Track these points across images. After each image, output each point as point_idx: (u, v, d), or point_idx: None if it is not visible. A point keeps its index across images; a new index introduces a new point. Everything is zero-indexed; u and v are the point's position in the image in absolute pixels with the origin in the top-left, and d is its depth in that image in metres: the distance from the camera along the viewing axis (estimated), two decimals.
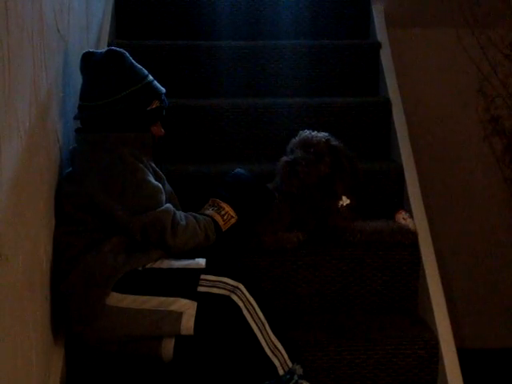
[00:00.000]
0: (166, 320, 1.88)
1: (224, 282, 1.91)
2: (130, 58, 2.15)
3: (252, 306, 1.91)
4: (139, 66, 2.17)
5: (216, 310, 1.89)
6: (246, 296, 1.90)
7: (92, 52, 2.17)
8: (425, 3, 3.19)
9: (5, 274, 1.53)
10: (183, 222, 2.00)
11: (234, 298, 1.89)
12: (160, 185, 2.04)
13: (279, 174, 2.33)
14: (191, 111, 2.74)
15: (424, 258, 2.33)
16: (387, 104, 2.80)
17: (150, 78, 2.17)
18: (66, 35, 2.26)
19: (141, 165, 2.01)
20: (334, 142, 2.34)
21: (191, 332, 1.88)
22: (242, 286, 1.91)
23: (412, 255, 2.34)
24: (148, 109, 2.14)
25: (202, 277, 1.92)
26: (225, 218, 2.12)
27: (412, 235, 2.35)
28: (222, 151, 2.75)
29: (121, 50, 2.16)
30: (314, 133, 2.36)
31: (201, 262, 1.98)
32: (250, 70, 2.94)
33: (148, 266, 1.98)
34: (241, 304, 1.89)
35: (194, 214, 2.09)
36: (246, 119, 2.74)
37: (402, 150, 2.66)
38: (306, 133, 2.36)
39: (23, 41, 1.71)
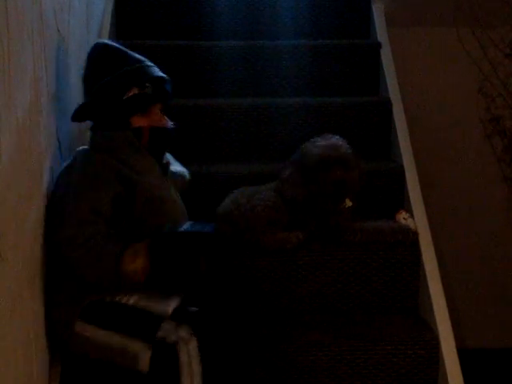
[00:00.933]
0: (126, 356, 1.84)
1: (180, 333, 1.82)
2: (114, 47, 2.03)
3: (192, 368, 1.79)
4: (126, 53, 2.03)
5: (165, 357, 1.82)
6: (192, 353, 1.80)
7: None
8: (425, 3, 3.19)
9: (3, 275, 1.53)
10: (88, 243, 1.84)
11: (182, 351, 1.80)
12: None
13: (288, 182, 2.29)
14: (191, 111, 2.74)
15: (424, 258, 2.33)
16: (387, 104, 2.80)
17: (141, 64, 2.01)
18: (66, 35, 2.26)
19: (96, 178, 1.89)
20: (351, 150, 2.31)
21: (147, 370, 1.81)
22: (194, 343, 1.80)
23: (412, 255, 2.34)
24: (124, 98, 1.96)
25: (164, 323, 1.84)
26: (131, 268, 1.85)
27: (412, 235, 2.35)
28: (222, 151, 2.75)
29: (105, 40, 2.09)
30: (340, 143, 2.29)
31: (169, 307, 1.85)
32: (250, 70, 2.94)
33: (116, 298, 1.88)
34: (184, 359, 1.80)
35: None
36: (245, 119, 2.74)
37: (403, 149, 2.66)
38: (333, 144, 2.29)
39: (23, 40, 1.71)
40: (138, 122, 1.98)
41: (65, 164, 2.00)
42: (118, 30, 3.13)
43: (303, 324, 2.24)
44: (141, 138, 1.98)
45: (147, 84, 1.99)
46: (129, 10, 3.14)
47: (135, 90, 1.96)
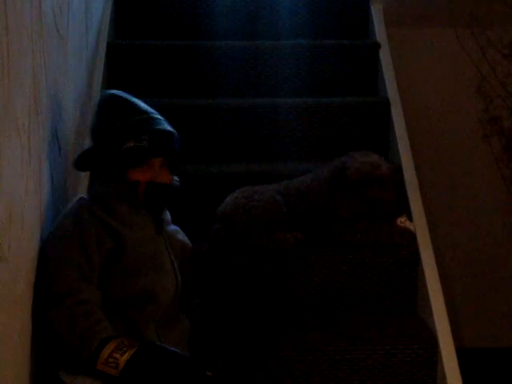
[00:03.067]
0: None
1: None
2: (120, 97, 1.96)
3: None
4: (131, 104, 1.95)
5: None
6: None
7: None
8: (424, 3, 3.19)
9: (3, 275, 1.53)
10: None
11: None
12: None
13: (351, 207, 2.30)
14: (191, 111, 2.74)
15: (423, 258, 2.34)
16: (386, 104, 2.80)
17: (137, 117, 1.91)
18: (65, 35, 2.26)
19: (78, 237, 1.79)
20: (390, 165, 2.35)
21: None
22: None
23: (411, 255, 2.34)
24: (122, 149, 1.87)
25: None
26: (109, 360, 1.67)
27: (410, 236, 2.35)
28: (222, 151, 2.75)
29: (113, 91, 2.01)
30: (381, 162, 2.31)
31: None
32: (250, 70, 2.95)
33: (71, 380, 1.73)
34: None
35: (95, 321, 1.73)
36: (245, 119, 2.75)
37: (401, 149, 2.66)
38: (374, 161, 2.30)
39: (23, 41, 1.71)
40: (136, 175, 1.88)
41: (64, 211, 1.95)
42: (117, 30, 3.13)
43: (302, 324, 2.24)
44: (136, 191, 1.88)
45: (143, 136, 1.87)
46: (128, 10, 3.14)
47: (131, 143, 1.87)
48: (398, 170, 2.36)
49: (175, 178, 1.98)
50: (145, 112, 1.92)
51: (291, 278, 2.30)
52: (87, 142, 2.59)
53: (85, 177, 2.50)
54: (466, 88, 3.34)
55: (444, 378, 2.11)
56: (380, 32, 3.06)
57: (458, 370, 2.13)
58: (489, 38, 3.26)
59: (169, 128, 1.93)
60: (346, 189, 2.29)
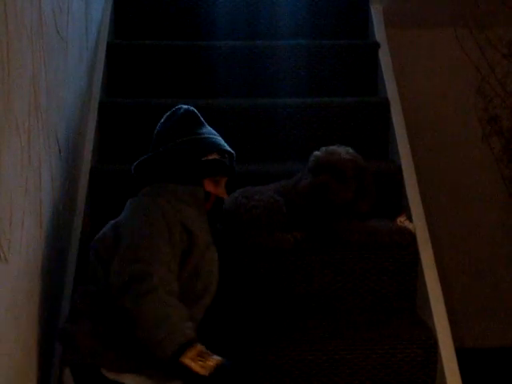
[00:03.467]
0: None
1: None
2: (198, 115, 2.11)
3: None
4: (205, 124, 2.12)
5: None
6: None
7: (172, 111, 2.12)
8: (423, 3, 3.19)
9: (4, 276, 1.53)
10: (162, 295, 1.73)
11: None
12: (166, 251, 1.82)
13: (301, 193, 2.30)
14: None
15: (422, 258, 2.34)
16: (386, 104, 2.80)
17: (217, 138, 2.08)
18: (65, 35, 2.27)
19: (165, 225, 1.84)
20: (360, 163, 2.31)
21: None
22: None
23: (410, 255, 2.34)
24: (203, 159, 2.02)
25: None
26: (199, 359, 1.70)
27: (410, 236, 2.35)
28: None
29: (191, 108, 2.12)
30: (341, 151, 2.30)
31: None
32: (250, 70, 2.95)
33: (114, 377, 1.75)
34: None
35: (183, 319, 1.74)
36: (245, 119, 2.75)
37: (401, 149, 2.66)
38: (332, 151, 2.30)
39: (23, 41, 1.71)
40: (209, 186, 2.02)
41: (138, 205, 1.94)
42: (116, 30, 3.13)
43: (302, 324, 2.24)
44: (207, 200, 2.01)
45: (226, 154, 2.07)
46: (128, 10, 3.14)
47: (216, 156, 2.03)
48: (366, 169, 2.32)
49: None
50: (216, 134, 2.10)
51: (291, 278, 2.30)
52: (87, 143, 2.60)
53: (85, 177, 2.50)
54: (465, 88, 3.34)
55: (443, 378, 2.12)
56: (379, 32, 3.06)
57: (457, 370, 2.13)
58: (488, 37, 3.26)
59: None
60: (303, 174, 2.31)
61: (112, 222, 1.96)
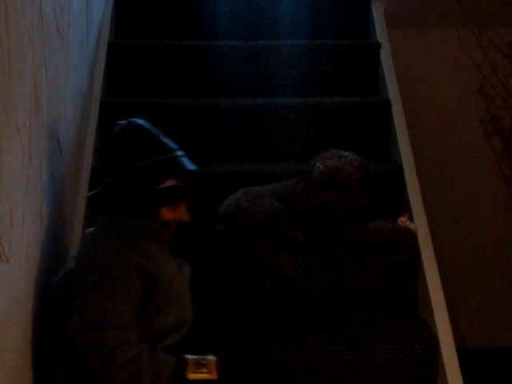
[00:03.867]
0: None
1: None
2: (147, 130, 1.88)
3: None
4: (164, 139, 1.89)
5: None
6: None
7: (116, 124, 1.94)
8: (425, 3, 3.19)
9: (5, 276, 1.53)
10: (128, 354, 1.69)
11: None
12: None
13: (307, 208, 2.28)
14: (191, 111, 2.74)
15: (424, 258, 2.34)
16: (387, 104, 2.80)
17: (176, 153, 1.88)
18: (66, 35, 2.27)
19: (119, 276, 1.74)
20: (362, 169, 2.29)
21: None
22: None
23: (412, 255, 2.34)
24: (158, 188, 1.84)
25: None
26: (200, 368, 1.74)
27: (411, 235, 2.35)
28: (222, 151, 2.75)
29: (141, 122, 1.90)
30: (344, 163, 2.27)
31: None
32: (250, 70, 2.95)
33: None
34: None
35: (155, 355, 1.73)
36: (245, 119, 2.75)
37: (402, 150, 2.66)
38: (335, 165, 2.27)
39: (23, 41, 1.71)
40: (166, 214, 1.87)
41: (92, 252, 1.82)
42: (117, 30, 3.13)
43: (303, 324, 2.24)
44: (166, 231, 1.87)
45: (182, 177, 1.88)
46: (129, 9, 3.14)
47: (171, 182, 1.85)
48: (369, 178, 2.30)
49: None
50: (174, 149, 1.89)
51: (291, 278, 2.30)
52: (88, 143, 2.60)
53: (85, 177, 2.50)
54: (466, 88, 3.34)
55: (445, 378, 2.11)
56: (381, 32, 3.06)
57: (458, 370, 2.13)
58: (490, 37, 3.26)
59: (197, 167, 1.92)
60: (308, 187, 2.28)
61: (65, 269, 1.88)
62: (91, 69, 2.73)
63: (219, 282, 2.28)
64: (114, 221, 1.84)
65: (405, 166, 2.60)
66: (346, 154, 2.33)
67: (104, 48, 2.90)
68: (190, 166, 1.89)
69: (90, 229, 1.92)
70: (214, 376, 1.72)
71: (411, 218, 2.45)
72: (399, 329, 2.22)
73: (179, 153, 1.89)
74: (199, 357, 1.74)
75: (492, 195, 3.41)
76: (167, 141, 1.89)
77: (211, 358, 1.75)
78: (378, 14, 3.13)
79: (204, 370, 1.71)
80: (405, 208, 2.56)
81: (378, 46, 3.00)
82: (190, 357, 1.74)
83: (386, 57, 2.97)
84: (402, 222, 2.39)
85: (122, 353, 1.67)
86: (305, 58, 2.97)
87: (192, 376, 1.70)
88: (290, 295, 2.31)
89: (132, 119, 1.91)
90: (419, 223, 2.43)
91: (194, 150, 2.72)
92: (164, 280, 1.80)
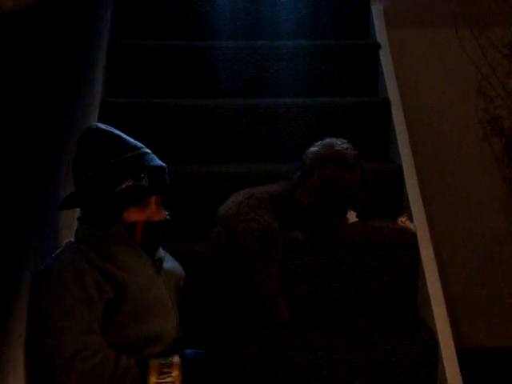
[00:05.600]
0: None
1: None
2: (107, 132, 1.82)
3: None
4: (119, 139, 1.81)
5: None
6: None
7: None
8: (424, 3, 3.19)
9: None
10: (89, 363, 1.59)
11: None
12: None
13: (312, 190, 2.27)
14: (191, 111, 2.74)
15: (423, 258, 2.34)
16: (386, 104, 2.80)
17: (134, 152, 1.79)
18: None
19: (79, 283, 1.65)
20: (357, 152, 2.31)
21: None
22: None
23: (411, 255, 2.34)
24: (117, 190, 1.75)
25: None
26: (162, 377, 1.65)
27: (411, 236, 2.35)
28: (222, 151, 2.76)
29: (98, 124, 1.86)
30: (335, 142, 2.30)
31: None
32: (250, 70, 2.95)
33: None
34: None
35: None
36: (245, 119, 2.75)
37: (402, 150, 2.67)
38: (327, 143, 2.29)
39: None
40: (132, 216, 1.77)
41: (55, 257, 1.75)
42: (117, 31, 3.13)
43: (303, 324, 2.24)
44: (134, 233, 1.77)
45: (142, 175, 1.77)
46: (129, 10, 3.14)
47: (129, 182, 1.75)
48: (358, 155, 2.30)
49: (167, 212, 1.87)
50: (136, 147, 1.81)
51: (291, 278, 2.30)
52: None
53: None
54: (466, 88, 3.34)
55: (444, 378, 2.12)
56: (380, 32, 3.06)
57: (458, 370, 2.13)
58: (489, 37, 3.26)
59: (161, 163, 1.84)
60: (305, 171, 2.28)
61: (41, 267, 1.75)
62: (91, 68, 2.73)
63: (219, 282, 2.28)
64: (86, 228, 1.79)
65: (404, 166, 2.60)
66: (331, 138, 2.34)
67: (104, 48, 2.90)
68: (150, 163, 1.79)
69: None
70: (175, 379, 1.62)
71: (411, 218, 2.45)
72: (399, 329, 2.22)
73: (138, 151, 1.80)
74: (163, 360, 1.66)
75: (492, 195, 3.41)
76: (126, 141, 1.81)
77: (175, 359, 1.66)
78: (377, 14, 3.13)
79: (167, 373, 1.62)
80: (404, 208, 2.57)
81: (377, 46, 3.00)
82: (153, 361, 1.65)
83: (385, 57, 2.97)
84: (401, 222, 2.39)
85: (83, 360, 1.57)
86: (304, 58, 2.97)
87: (153, 381, 1.61)
88: (290, 295, 2.31)
89: (90, 124, 1.85)
90: (419, 223, 2.43)
91: (193, 150, 2.74)
92: (135, 287, 1.72)
